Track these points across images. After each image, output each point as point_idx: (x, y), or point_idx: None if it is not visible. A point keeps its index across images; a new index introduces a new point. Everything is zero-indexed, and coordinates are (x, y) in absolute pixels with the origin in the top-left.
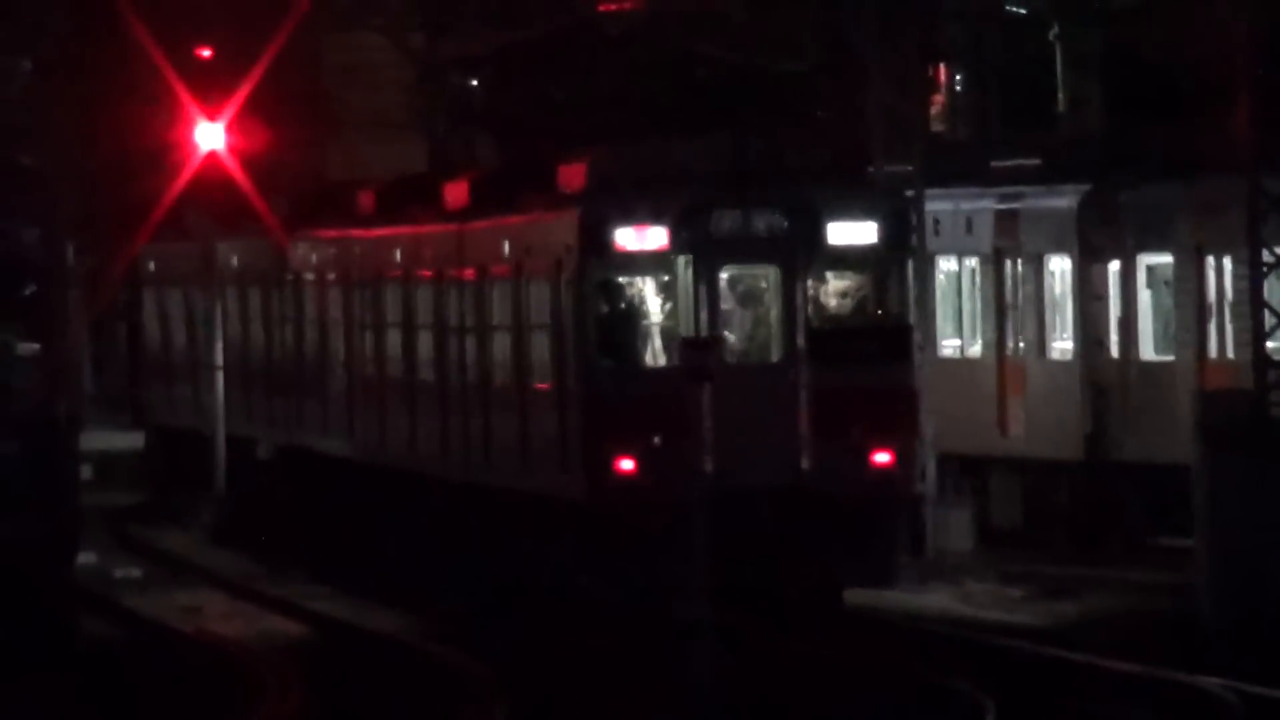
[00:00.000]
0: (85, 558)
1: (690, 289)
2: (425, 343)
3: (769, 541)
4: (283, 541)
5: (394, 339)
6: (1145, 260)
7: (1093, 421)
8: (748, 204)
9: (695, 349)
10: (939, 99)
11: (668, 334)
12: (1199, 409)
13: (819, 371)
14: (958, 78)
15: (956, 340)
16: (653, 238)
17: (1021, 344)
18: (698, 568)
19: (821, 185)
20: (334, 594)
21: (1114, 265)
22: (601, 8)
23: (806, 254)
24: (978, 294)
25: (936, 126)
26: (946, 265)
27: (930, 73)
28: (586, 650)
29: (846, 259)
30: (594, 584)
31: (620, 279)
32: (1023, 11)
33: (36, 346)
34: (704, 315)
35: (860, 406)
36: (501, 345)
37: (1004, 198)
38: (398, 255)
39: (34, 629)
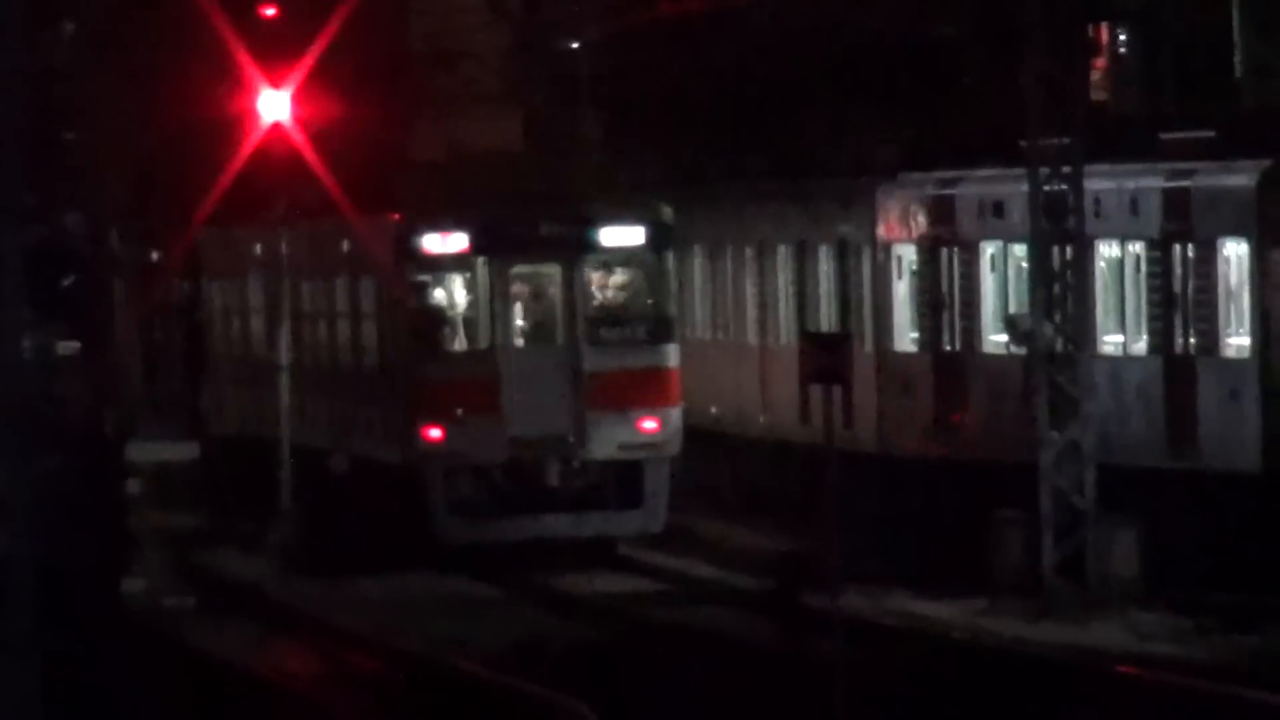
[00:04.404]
0: (133, 584)
1: (488, 285)
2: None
3: (555, 498)
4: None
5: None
6: None
7: (1272, 428)
8: (535, 213)
9: (823, 348)
10: (1102, 64)
11: (469, 323)
12: None
13: (595, 354)
14: (1123, 39)
15: (1119, 336)
16: (454, 242)
17: (1192, 340)
18: None
19: (597, 199)
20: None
21: None
22: None
23: (584, 254)
24: (1143, 283)
25: (1098, 95)
26: (1108, 251)
27: (1092, 34)
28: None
29: (617, 258)
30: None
31: (429, 277)
32: None
33: (78, 346)
34: (499, 307)
35: (629, 382)
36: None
37: (1174, 175)
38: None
39: (77, 661)
